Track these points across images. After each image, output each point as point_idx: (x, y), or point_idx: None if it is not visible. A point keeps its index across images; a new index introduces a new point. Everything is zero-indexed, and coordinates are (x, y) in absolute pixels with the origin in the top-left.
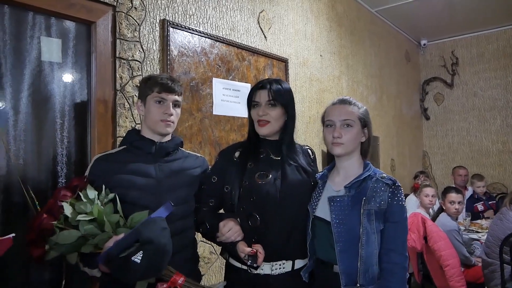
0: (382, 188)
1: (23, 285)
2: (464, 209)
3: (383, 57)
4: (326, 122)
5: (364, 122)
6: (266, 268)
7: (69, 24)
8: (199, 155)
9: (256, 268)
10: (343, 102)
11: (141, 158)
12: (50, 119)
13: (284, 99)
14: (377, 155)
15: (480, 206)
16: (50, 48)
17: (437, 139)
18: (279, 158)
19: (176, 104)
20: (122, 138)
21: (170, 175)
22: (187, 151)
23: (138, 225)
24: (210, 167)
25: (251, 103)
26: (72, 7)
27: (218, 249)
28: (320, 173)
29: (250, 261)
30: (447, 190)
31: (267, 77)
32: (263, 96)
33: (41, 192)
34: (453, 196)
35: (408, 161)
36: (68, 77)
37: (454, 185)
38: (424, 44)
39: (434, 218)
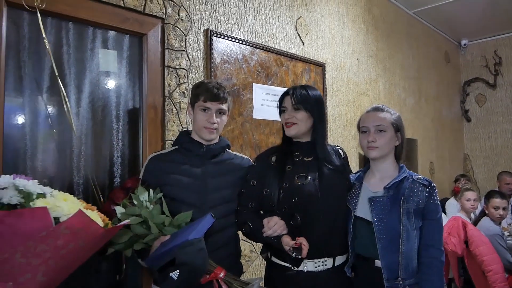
0: (419, 188)
1: (93, 270)
2: (509, 214)
3: (421, 58)
4: (361, 128)
5: (397, 127)
6: (309, 265)
7: (124, 37)
8: (245, 156)
9: (300, 260)
10: (376, 109)
11: (190, 159)
12: (108, 124)
13: (307, 103)
14: (415, 158)
15: None
16: (107, 59)
17: (479, 142)
18: (311, 159)
19: (221, 112)
20: (170, 141)
21: (215, 176)
22: (233, 153)
23: (176, 248)
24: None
25: (280, 108)
26: (126, 21)
27: (258, 247)
28: (356, 175)
29: (295, 253)
30: (491, 195)
31: (304, 82)
32: (287, 101)
33: (100, 190)
34: (497, 201)
35: (448, 164)
36: (122, 85)
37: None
38: (465, 44)
39: (476, 222)
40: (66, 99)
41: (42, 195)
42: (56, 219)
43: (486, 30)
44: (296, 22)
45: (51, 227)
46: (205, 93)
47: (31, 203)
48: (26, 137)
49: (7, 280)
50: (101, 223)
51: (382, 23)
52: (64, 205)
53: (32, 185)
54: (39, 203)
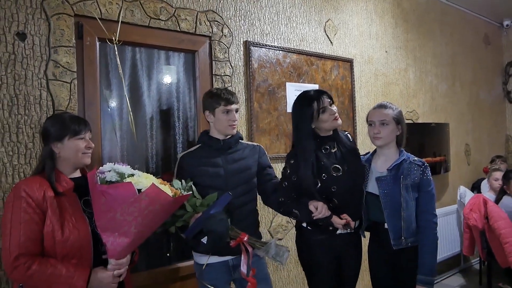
0: (415, 168)
1: (146, 246)
2: None
3: (455, 44)
4: (368, 122)
5: (398, 121)
6: (339, 230)
7: (180, 54)
8: (255, 144)
9: (336, 230)
10: (380, 106)
11: (212, 153)
12: (171, 124)
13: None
14: (447, 141)
15: None
16: (169, 73)
17: None
18: (336, 149)
19: (236, 110)
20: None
21: (233, 163)
22: (245, 143)
23: (203, 220)
24: (272, 157)
25: (324, 108)
26: (182, 42)
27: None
28: (365, 157)
29: (348, 229)
30: (510, 175)
31: (333, 77)
32: (327, 100)
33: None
34: None
35: (487, 146)
36: (181, 92)
37: None
38: (507, 25)
39: (497, 201)
40: (131, 113)
41: (131, 175)
42: (139, 190)
43: None
44: (325, 24)
45: (136, 195)
46: (224, 100)
47: (124, 180)
48: (115, 134)
49: (115, 230)
50: (170, 194)
51: (412, 15)
52: (144, 180)
53: (125, 168)
54: (128, 179)
